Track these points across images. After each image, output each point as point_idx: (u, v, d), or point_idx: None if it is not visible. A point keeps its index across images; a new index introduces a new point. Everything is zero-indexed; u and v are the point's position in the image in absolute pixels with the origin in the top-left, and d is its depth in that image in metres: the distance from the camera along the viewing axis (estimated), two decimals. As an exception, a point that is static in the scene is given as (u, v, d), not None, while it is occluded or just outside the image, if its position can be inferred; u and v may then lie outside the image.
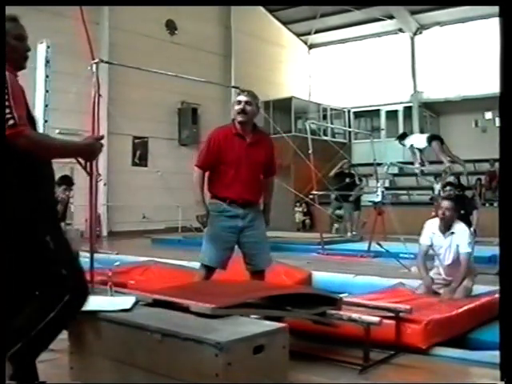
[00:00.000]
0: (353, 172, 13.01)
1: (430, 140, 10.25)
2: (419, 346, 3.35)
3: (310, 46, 20.66)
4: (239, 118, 3.89)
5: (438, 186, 10.91)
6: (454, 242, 4.82)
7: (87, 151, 2.57)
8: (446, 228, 4.88)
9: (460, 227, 4.92)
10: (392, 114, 18.61)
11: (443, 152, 10.28)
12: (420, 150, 10.82)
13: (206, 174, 4.02)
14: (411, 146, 10.70)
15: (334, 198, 12.21)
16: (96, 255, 5.98)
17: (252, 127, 3.97)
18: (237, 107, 3.89)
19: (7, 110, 2.23)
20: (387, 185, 14.45)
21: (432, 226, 5.05)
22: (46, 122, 3.44)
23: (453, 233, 4.86)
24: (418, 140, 10.54)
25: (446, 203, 4.93)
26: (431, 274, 5.03)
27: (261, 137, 4.05)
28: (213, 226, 3.94)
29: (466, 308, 3.96)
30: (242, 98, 3.90)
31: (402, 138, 10.96)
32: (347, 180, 12.16)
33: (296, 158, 12.63)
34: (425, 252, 5.02)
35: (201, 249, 4.06)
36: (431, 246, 4.97)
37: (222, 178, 3.90)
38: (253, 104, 3.91)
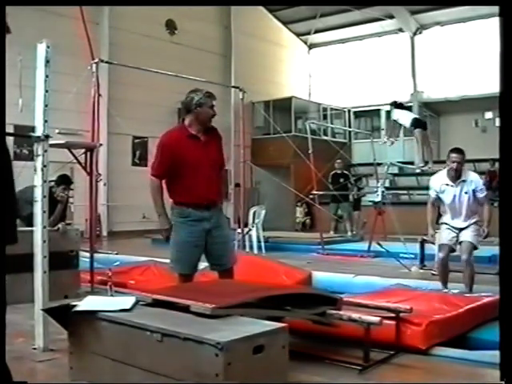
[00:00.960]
0: (346, 172, 13.06)
1: (413, 125, 10.15)
2: (419, 347, 3.35)
3: (310, 46, 20.67)
4: (209, 124, 3.89)
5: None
6: (465, 189, 5.15)
7: None
8: (456, 177, 5.19)
9: (470, 175, 5.31)
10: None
11: (423, 144, 10.18)
12: (400, 126, 10.73)
13: (164, 181, 3.98)
14: (396, 120, 10.63)
15: (331, 199, 12.24)
16: (96, 255, 6.00)
17: None
18: (210, 112, 3.85)
19: None
20: (387, 185, 14.46)
21: (440, 178, 5.35)
22: (46, 121, 3.42)
23: (464, 181, 5.19)
24: (404, 118, 10.43)
25: (455, 155, 5.20)
26: (445, 235, 5.28)
27: (212, 134, 4.00)
28: (180, 232, 3.87)
29: (466, 308, 3.96)
30: (214, 102, 3.90)
31: (396, 106, 10.80)
32: (341, 180, 12.22)
33: (296, 157, 12.65)
34: (432, 202, 5.39)
35: (171, 256, 4.00)
36: (439, 198, 5.33)
37: (184, 182, 3.84)
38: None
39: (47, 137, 3.41)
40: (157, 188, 3.91)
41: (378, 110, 18.82)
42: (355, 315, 3.20)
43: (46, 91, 3.41)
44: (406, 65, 18.25)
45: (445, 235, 5.32)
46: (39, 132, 3.40)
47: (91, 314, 2.71)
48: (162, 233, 3.94)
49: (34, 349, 3.35)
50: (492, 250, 6.72)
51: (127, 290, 4.86)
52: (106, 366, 2.62)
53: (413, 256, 7.65)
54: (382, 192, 9.11)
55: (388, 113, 18.72)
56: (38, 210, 3.41)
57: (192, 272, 3.94)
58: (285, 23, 19.78)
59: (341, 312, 3.26)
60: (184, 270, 3.91)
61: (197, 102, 3.86)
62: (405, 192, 16.48)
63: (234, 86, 13.12)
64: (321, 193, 11.03)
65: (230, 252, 4.07)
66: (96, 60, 7.02)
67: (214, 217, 3.89)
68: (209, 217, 3.87)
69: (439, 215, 7.52)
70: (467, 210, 5.20)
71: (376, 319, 3.15)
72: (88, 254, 5.76)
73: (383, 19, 18.04)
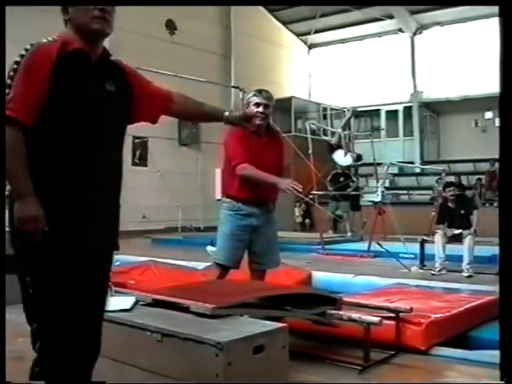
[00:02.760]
0: (347, 172, 13.07)
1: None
2: (419, 347, 3.36)
3: (310, 46, 20.66)
4: (258, 122, 3.82)
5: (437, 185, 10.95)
6: None
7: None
8: None
9: None
10: (392, 114, 18.62)
11: None
12: None
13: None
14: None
15: (331, 198, 12.26)
16: (96, 255, 5.99)
17: (266, 126, 3.94)
18: (255, 110, 3.81)
19: (6, 90, 1.93)
20: (387, 185, 14.47)
21: None
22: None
23: None
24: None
25: None
26: None
27: (274, 136, 4.04)
28: (227, 224, 3.91)
29: (466, 307, 3.97)
30: (262, 100, 3.84)
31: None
32: (341, 179, 12.25)
33: (296, 157, 12.64)
34: None
35: (216, 247, 4.03)
36: None
37: (239, 177, 3.83)
38: (270, 106, 3.88)
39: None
40: (252, 168, 3.74)
41: (378, 110, 18.82)
42: (355, 315, 3.20)
43: (46, 91, 3.41)
44: (406, 65, 18.24)
45: None
46: (39, 132, 3.40)
47: (91, 314, 2.70)
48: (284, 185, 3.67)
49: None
50: (492, 250, 6.73)
51: (127, 289, 4.86)
52: (106, 366, 2.62)
53: (413, 256, 7.65)
54: (382, 192, 9.10)
55: (388, 113, 18.79)
56: (38, 209, 3.41)
57: (232, 266, 3.94)
58: (285, 23, 19.77)
59: (341, 312, 3.26)
60: (224, 261, 3.92)
61: (245, 101, 3.97)
62: (405, 192, 16.48)
63: (233, 86, 13.14)
64: (321, 193, 11.03)
65: (273, 253, 4.02)
66: (96, 60, 7.00)
67: (263, 215, 3.90)
68: (258, 214, 3.87)
69: (441, 213, 7.52)
70: None
71: (376, 319, 3.15)
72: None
73: (383, 19, 18.03)
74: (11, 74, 1.94)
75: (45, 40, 1.98)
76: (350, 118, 11.22)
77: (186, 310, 2.67)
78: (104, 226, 2.04)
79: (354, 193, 12.47)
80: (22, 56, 1.93)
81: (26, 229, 1.84)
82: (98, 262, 2.06)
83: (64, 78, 1.92)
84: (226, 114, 2.42)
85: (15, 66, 1.92)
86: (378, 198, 9.04)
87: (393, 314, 3.44)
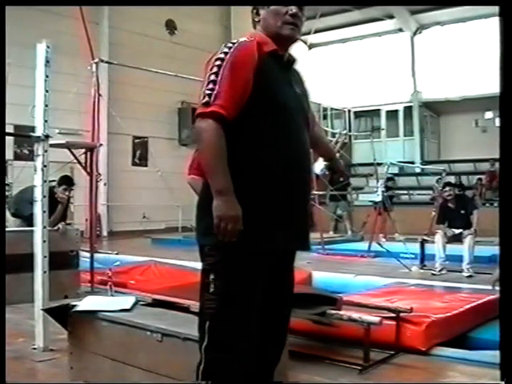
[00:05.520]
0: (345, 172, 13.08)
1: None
2: (419, 347, 3.35)
3: (310, 46, 20.64)
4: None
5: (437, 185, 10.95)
6: None
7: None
8: None
9: None
10: (392, 114, 18.61)
11: None
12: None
13: None
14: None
15: (330, 199, 12.27)
16: (96, 255, 6.00)
17: None
18: None
19: (209, 85, 1.90)
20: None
21: None
22: (45, 121, 3.43)
23: None
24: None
25: None
26: None
27: None
28: None
29: (466, 308, 3.96)
30: None
31: None
32: (340, 179, 12.26)
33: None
34: None
35: None
36: None
37: None
38: None
39: (47, 137, 3.41)
40: None
41: (378, 110, 18.81)
42: (355, 315, 3.20)
43: (46, 91, 3.41)
44: (406, 65, 18.24)
45: None
46: (39, 132, 3.40)
47: (91, 314, 2.71)
48: None
49: (34, 349, 3.35)
50: (492, 250, 6.73)
51: (127, 289, 4.86)
52: (106, 366, 2.62)
53: (413, 256, 7.65)
54: (382, 192, 9.11)
55: (388, 113, 18.78)
56: (38, 210, 3.41)
57: None
58: (285, 23, 19.76)
59: (341, 312, 3.26)
60: None
61: None
62: (405, 192, 16.47)
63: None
64: (321, 193, 11.03)
65: None
66: (96, 60, 7.00)
67: None
68: None
69: (441, 213, 7.52)
70: None
71: (376, 319, 3.15)
72: (88, 254, 5.76)
73: (383, 19, 18.03)
74: (215, 70, 1.89)
75: (245, 39, 1.97)
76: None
77: (186, 309, 2.67)
78: (298, 227, 2.01)
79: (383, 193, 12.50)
80: (225, 53, 1.90)
81: (226, 228, 1.81)
82: (288, 263, 2.09)
83: (263, 77, 1.91)
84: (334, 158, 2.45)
85: (218, 63, 1.89)
86: (378, 198, 9.05)
87: (393, 314, 3.44)
